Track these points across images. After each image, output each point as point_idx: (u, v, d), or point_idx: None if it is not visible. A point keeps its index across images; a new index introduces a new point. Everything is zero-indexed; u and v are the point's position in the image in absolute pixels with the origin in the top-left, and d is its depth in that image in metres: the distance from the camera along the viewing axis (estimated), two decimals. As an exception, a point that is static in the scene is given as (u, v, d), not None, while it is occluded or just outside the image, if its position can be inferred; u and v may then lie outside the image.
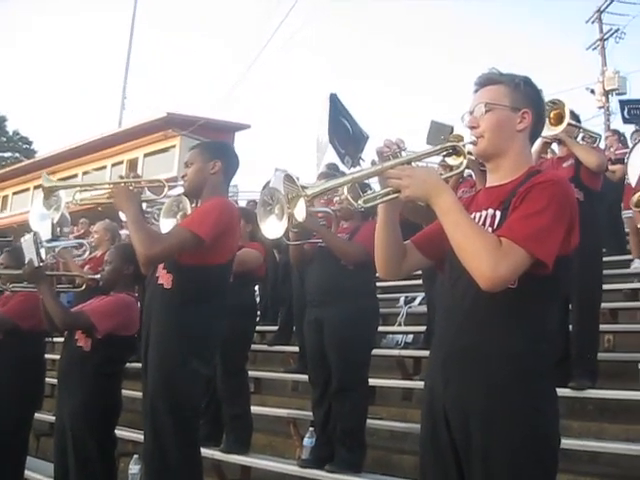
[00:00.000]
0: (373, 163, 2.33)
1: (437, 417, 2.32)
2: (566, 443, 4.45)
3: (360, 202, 2.27)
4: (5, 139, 42.62)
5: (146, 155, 21.43)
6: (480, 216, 2.35)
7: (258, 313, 7.50)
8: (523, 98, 2.40)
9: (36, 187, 21.29)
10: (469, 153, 2.45)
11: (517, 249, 2.12)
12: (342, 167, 6.02)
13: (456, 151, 2.45)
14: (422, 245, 2.56)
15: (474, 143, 2.40)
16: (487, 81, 2.44)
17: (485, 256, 2.10)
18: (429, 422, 2.38)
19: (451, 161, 3.39)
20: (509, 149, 2.40)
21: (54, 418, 4.65)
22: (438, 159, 4.71)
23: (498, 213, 2.31)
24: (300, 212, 2.27)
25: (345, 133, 5.54)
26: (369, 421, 5.13)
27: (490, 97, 2.39)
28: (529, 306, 2.25)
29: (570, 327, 5.20)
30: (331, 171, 6.17)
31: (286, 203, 2.29)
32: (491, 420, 2.18)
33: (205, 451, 4.98)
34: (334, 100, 5.64)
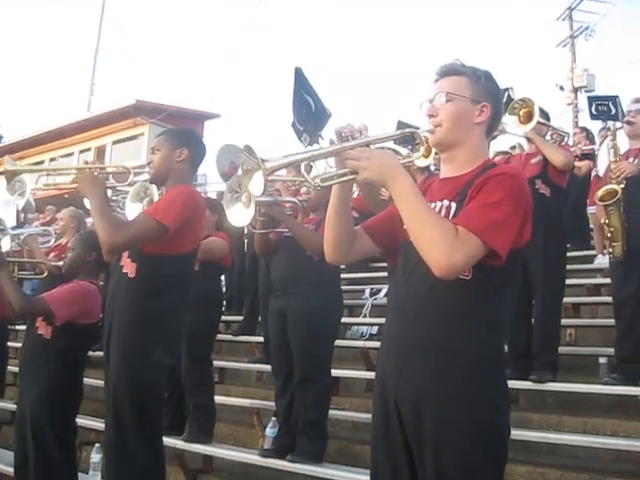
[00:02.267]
0: (331, 142, 2.31)
1: (389, 409, 2.33)
2: (526, 435, 4.60)
3: (317, 180, 2.25)
4: (-30, 125, 41.91)
5: (114, 142, 21.28)
6: (435, 207, 2.34)
7: (224, 303, 7.49)
8: (483, 91, 2.41)
9: (1, 173, 20.96)
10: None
11: (473, 238, 2.13)
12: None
13: (415, 139, 2.46)
14: (372, 231, 2.54)
15: (431, 132, 2.40)
16: (449, 71, 2.45)
17: (441, 243, 2.10)
18: (381, 414, 2.38)
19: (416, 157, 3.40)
20: (466, 141, 2.40)
21: (16, 406, 4.60)
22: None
23: (454, 204, 2.31)
24: (258, 186, 2.18)
25: (307, 109, 5.50)
26: (332, 412, 5.16)
27: (451, 87, 2.39)
28: (483, 297, 2.26)
29: (533, 321, 5.26)
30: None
31: (243, 175, 2.22)
32: (444, 412, 2.20)
33: (167, 440, 4.95)
34: (299, 74, 5.60)
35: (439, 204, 2.35)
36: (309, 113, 5.76)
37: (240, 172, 2.33)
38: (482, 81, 2.42)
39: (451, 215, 2.29)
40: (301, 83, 5.82)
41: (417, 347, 2.26)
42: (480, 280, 2.22)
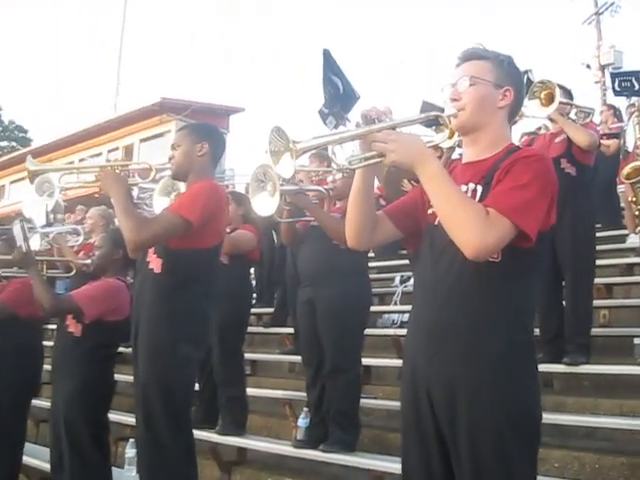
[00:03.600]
0: (357, 125, 2.30)
1: (419, 395, 2.33)
2: (561, 419, 4.54)
3: (345, 162, 2.25)
4: (1, 128, 42.58)
5: (142, 140, 21.39)
6: None
7: (254, 296, 7.50)
8: (506, 76, 2.42)
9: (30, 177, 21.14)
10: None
11: (504, 220, 2.14)
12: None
13: (439, 122, 2.45)
14: (395, 216, 2.54)
15: (455, 115, 2.40)
16: (472, 55, 2.45)
17: (473, 225, 2.11)
18: (411, 399, 2.38)
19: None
20: (489, 124, 2.40)
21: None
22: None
23: (480, 188, 2.31)
24: (287, 168, 2.16)
25: (335, 91, 5.46)
26: (365, 401, 5.14)
27: (474, 71, 2.39)
28: (512, 280, 2.26)
29: (564, 303, 5.20)
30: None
31: (271, 157, 2.19)
32: (478, 396, 2.19)
33: (201, 433, 5.00)
34: (326, 56, 5.55)
35: (464, 187, 2.34)
36: (337, 95, 5.74)
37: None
38: (505, 66, 2.43)
39: (477, 198, 2.29)
40: (329, 65, 5.79)
41: (448, 331, 2.27)
42: (509, 262, 2.22)
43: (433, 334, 2.30)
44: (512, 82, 2.43)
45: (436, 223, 2.31)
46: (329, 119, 5.52)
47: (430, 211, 2.39)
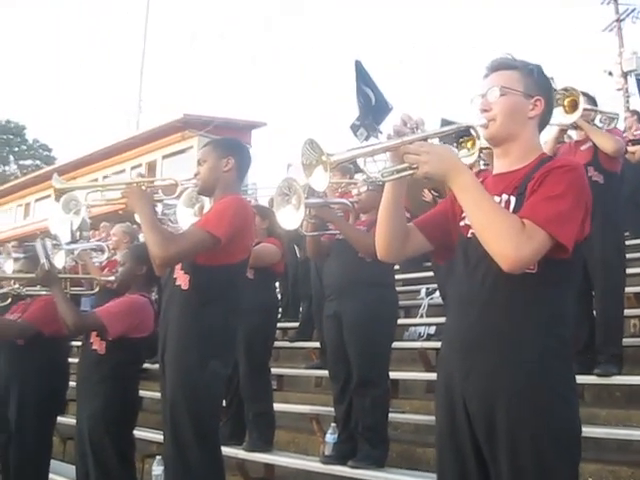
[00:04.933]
0: (389, 137, 2.27)
1: (456, 408, 2.30)
2: (594, 432, 4.46)
3: (378, 175, 2.23)
4: (25, 147, 43.21)
5: (164, 157, 21.47)
6: None
7: (280, 310, 7.47)
8: (536, 86, 2.40)
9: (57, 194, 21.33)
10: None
11: (540, 231, 2.11)
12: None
13: (469, 133, 2.44)
14: (426, 228, 2.52)
15: (485, 126, 2.37)
16: (501, 65, 2.43)
17: (509, 236, 2.09)
18: (447, 414, 2.35)
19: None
20: (520, 135, 2.38)
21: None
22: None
23: (513, 198, 2.29)
24: (320, 180, 2.14)
25: (366, 102, 5.43)
26: (393, 415, 5.08)
27: (504, 81, 2.38)
28: (548, 291, 2.23)
29: (594, 313, 5.12)
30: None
31: (304, 170, 2.18)
32: (517, 409, 2.17)
33: (228, 450, 4.97)
34: (358, 67, 5.52)
35: (497, 199, 2.32)
36: (368, 106, 5.71)
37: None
38: (534, 75, 2.41)
39: (511, 209, 2.27)
40: (361, 76, 5.77)
41: (484, 343, 2.24)
42: (545, 273, 2.20)
43: (469, 347, 2.28)
44: (542, 92, 2.40)
45: (469, 235, 2.30)
46: (360, 130, 5.48)
47: (463, 223, 2.38)
